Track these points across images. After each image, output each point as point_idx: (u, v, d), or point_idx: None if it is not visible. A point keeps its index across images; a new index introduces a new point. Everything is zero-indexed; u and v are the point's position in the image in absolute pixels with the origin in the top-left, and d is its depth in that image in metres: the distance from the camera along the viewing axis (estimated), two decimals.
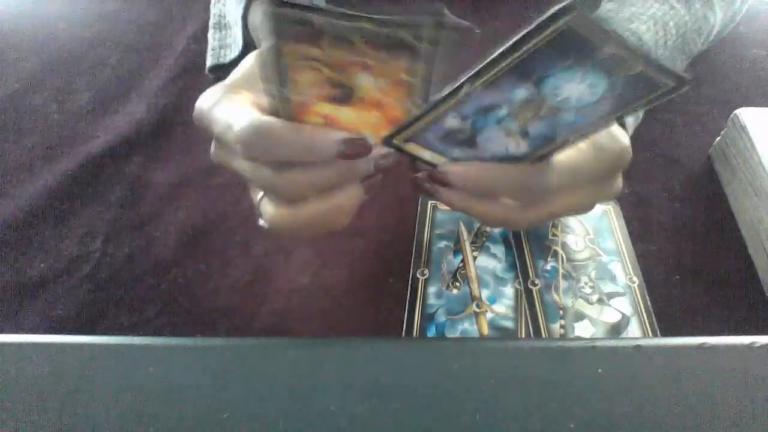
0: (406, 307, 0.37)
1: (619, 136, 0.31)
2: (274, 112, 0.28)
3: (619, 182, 0.34)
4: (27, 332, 0.37)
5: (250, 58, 0.34)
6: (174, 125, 0.51)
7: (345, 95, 0.27)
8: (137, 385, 0.22)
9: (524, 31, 0.22)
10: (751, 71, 0.53)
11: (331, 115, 0.28)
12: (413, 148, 0.30)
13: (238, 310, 0.38)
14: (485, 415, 0.21)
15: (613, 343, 0.24)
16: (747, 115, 0.43)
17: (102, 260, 0.41)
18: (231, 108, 0.28)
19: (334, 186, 0.29)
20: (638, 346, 0.23)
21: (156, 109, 0.52)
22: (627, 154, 0.32)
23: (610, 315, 0.37)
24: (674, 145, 0.48)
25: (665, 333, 0.36)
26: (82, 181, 0.46)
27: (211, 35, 0.57)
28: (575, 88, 0.24)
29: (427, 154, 0.31)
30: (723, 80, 0.54)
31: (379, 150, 0.29)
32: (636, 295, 0.38)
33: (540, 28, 0.21)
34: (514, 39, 0.22)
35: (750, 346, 0.23)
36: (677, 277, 0.40)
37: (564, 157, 0.30)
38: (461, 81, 0.25)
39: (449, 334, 0.35)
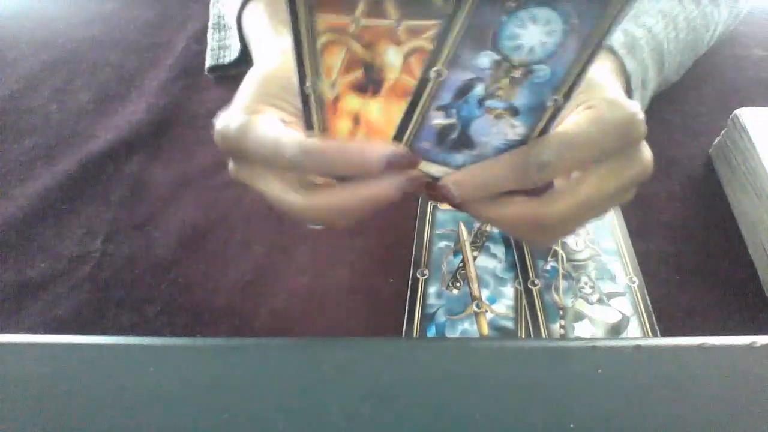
0: (406, 307, 0.37)
1: (622, 103, 0.30)
2: (306, 121, 0.29)
3: (644, 158, 0.31)
4: (27, 332, 0.37)
5: (255, 75, 0.33)
6: (174, 125, 0.51)
7: (375, 82, 0.27)
8: (137, 385, 0.22)
9: None
10: (751, 71, 0.53)
11: (361, 115, 0.28)
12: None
13: (238, 310, 0.38)
14: (485, 415, 0.21)
15: (613, 343, 0.24)
16: (747, 115, 0.43)
17: (102, 260, 0.41)
18: (268, 130, 0.29)
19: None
20: (638, 346, 0.23)
21: (156, 109, 0.52)
22: (634, 122, 0.29)
23: (610, 315, 0.37)
24: (674, 145, 0.48)
25: (665, 333, 0.36)
26: (82, 181, 0.46)
27: (211, 36, 0.57)
28: (531, 34, 0.24)
29: (433, 169, 0.30)
30: (723, 80, 0.54)
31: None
32: (636, 295, 0.38)
33: None
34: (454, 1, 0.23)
35: (750, 346, 0.23)
36: (677, 277, 0.40)
37: (560, 129, 0.28)
38: (423, 69, 0.25)
39: (449, 334, 0.35)
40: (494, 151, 0.29)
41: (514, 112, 0.27)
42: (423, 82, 0.26)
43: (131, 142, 0.49)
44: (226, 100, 0.51)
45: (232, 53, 0.53)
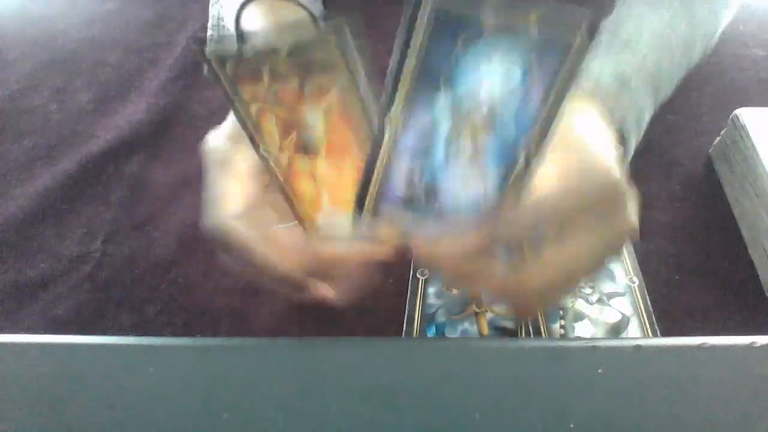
0: (406, 307, 0.37)
1: (601, 170, 0.28)
2: (273, 181, 0.30)
3: (629, 221, 0.29)
4: (27, 332, 0.37)
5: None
6: (174, 125, 0.51)
7: (310, 142, 0.28)
8: (137, 385, 0.22)
9: (403, 30, 0.22)
10: (751, 71, 0.53)
11: (316, 175, 0.29)
12: (387, 231, 0.29)
13: (238, 310, 0.38)
14: (485, 415, 0.21)
15: (613, 343, 0.24)
16: (747, 115, 0.43)
17: (102, 260, 0.41)
18: (222, 182, 0.31)
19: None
20: (638, 346, 0.23)
21: (156, 109, 0.52)
22: (613, 190, 0.28)
23: (610, 315, 0.37)
24: (674, 145, 0.48)
25: (665, 333, 0.36)
26: (82, 181, 0.46)
27: (210, 36, 0.57)
28: (488, 78, 0.23)
29: (407, 224, 0.29)
30: (723, 80, 0.54)
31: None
32: (636, 295, 0.38)
33: (411, 19, 0.21)
34: (400, 42, 0.22)
35: (750, 346, 0.23)
36: (677, 277, 0.40)
37: (533, 199, 0.27)
38: (378, 118, 0.25)
39: (449, 334, 0.35)
40: (467, 203, 0.27)
41: (481, 159, 0.26)
42: (379, 134, 0.25)
43: (131, 142, 0.49)
44: (225, 100, 0.51)
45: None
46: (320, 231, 0.31)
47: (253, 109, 0.28)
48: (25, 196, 0.45)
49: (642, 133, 0.40)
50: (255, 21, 0.45)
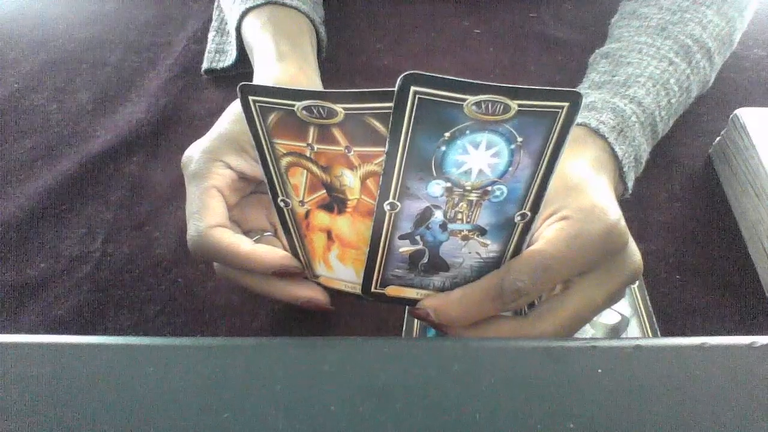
0: (406, 307, 0.37)
1: (600, 214, 0.28)
2: (284, 230, 0.30)
3: (632, 262, 0.29)
4: (27, 332, 0.37)
5: (235, 110, 0.35)
6: (174, 125, 0.51)
7: (339, 202, 0.28)
8: (137, 385, 0.22)
9: (390, 122, 0.22)
10: (751, 71, 0.53)
11: (332, 230, 0.29)
12: (396, 291, 0.30)
13: (238, 310, 0.38)
14: (485, 415, 0.21)
15: (613, 343, 0.24)
16: (747, 115, 0.43)
17: (102, 260, 0.41)
18: (196, 196, 0.32)
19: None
20: (638, 346, 0.23)
21: (156, 109, 0.52)
22: (614, 233, 0.28)
23: (609, 317, 0.37)
24: (674, 145, 0.48)
25: (665, 333, 0.36)
26: (82, 181, 0.46)
27: (211, 38, 0.57)
28: (476, 158, 0.23)
29: (412, 293, 0.30)
30: (723, 80, 0.54)
31: (310, 292, 0.31)
32: (636, 295, 0.38)
33: (397, 107, 0.21)
34: (390, 134, 0.22)
35: (750, 346, 0.23)
36: (677, 277, 0.40)
37: (534, 248, 0.27)
38: (377, 203, 0.25)
39: None
40: (471, 271, 0.28)
41: (480, 231, 0.26)
42: (380, 215, 0.26)
43: (131, 142, 0.49)
44: (225, 100, 0.52)
45: (228, 59, 0.53)
46: (317, 276, 0.32)
47: (284, 161, 0.27)
48: (25, 196, 0.45)
49: (641, 169, 0.40)
50: (255, 29, 0.45)
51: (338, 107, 0.23)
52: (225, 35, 0.56)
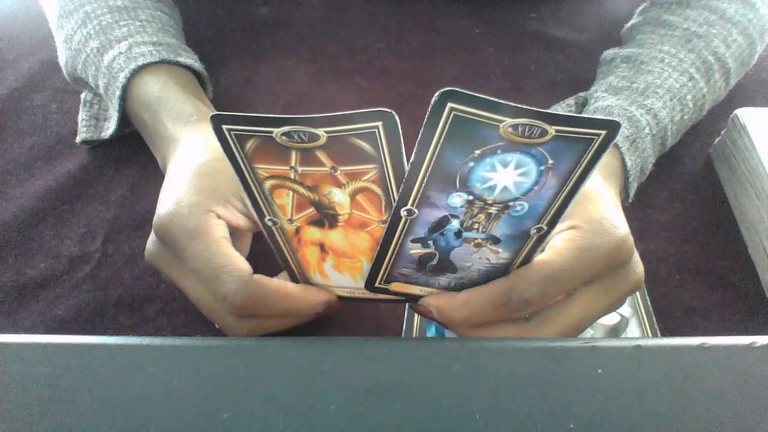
0: (406, 307, 0.37)
1: (608, 228, 0.28)
2: (275, 248, 0.29)
3: (635, 273, 0.30)
4: (27, 332, 0.37)
5: (193, 170, 0.33)
6: None
7: (330, 217, 0.27)
8: (137, 385, 0.22)
9: (420, 133, 0.22)
10: (751, 71, 0.53)
11: (325, 243, 0.29)
12: (400, 287, 0.30)
13: None
14: (485, 415, 0.21)
15: (613, 343, 0.24)
16: (747, 115, 0.43)
17: (102, 260, 0.41)
18: (213, 250, 0.29)
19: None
20: (638, 346, 0.23)
21: None
22: (622, 247, 0.28)
23: (609, 317, 0.36)
24: (674, 145, 0.48)
25: (665, 333, 0.36)
26: (82, 181, 0.46)
27: (88, 107, 0.49)
28: (503, 176, 0.23)
29: (416, 290, 0.30)
30: None
31: (323, 296, 0.31)
32: (636, 295, 0.38)
33: (431, 119, 0.21)
34: (417, 144, 0.22)
35: (750, 346, 0.23)
36: (677, 277, 0.40)
37: (542, 258, 0.28)
38: (394, 207, 0.25)
39: (449, 334, 0.35)
40: (478, 274, 0.28)
41: (494, 241, 0.26)
42: (395, 220, 0.26)
43: (131, 141, 0.49)
44: (225, 100, 0.51)
45: (111, 126, 0.46)
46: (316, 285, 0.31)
47: (268, 184, 0.26)
48: (25, 196, 0.45)
49: (644, 179, 0.41)
50: (156, 87, 0.41)
51: (320, 131, 0.23)
52: (104, 106, 0.49)
